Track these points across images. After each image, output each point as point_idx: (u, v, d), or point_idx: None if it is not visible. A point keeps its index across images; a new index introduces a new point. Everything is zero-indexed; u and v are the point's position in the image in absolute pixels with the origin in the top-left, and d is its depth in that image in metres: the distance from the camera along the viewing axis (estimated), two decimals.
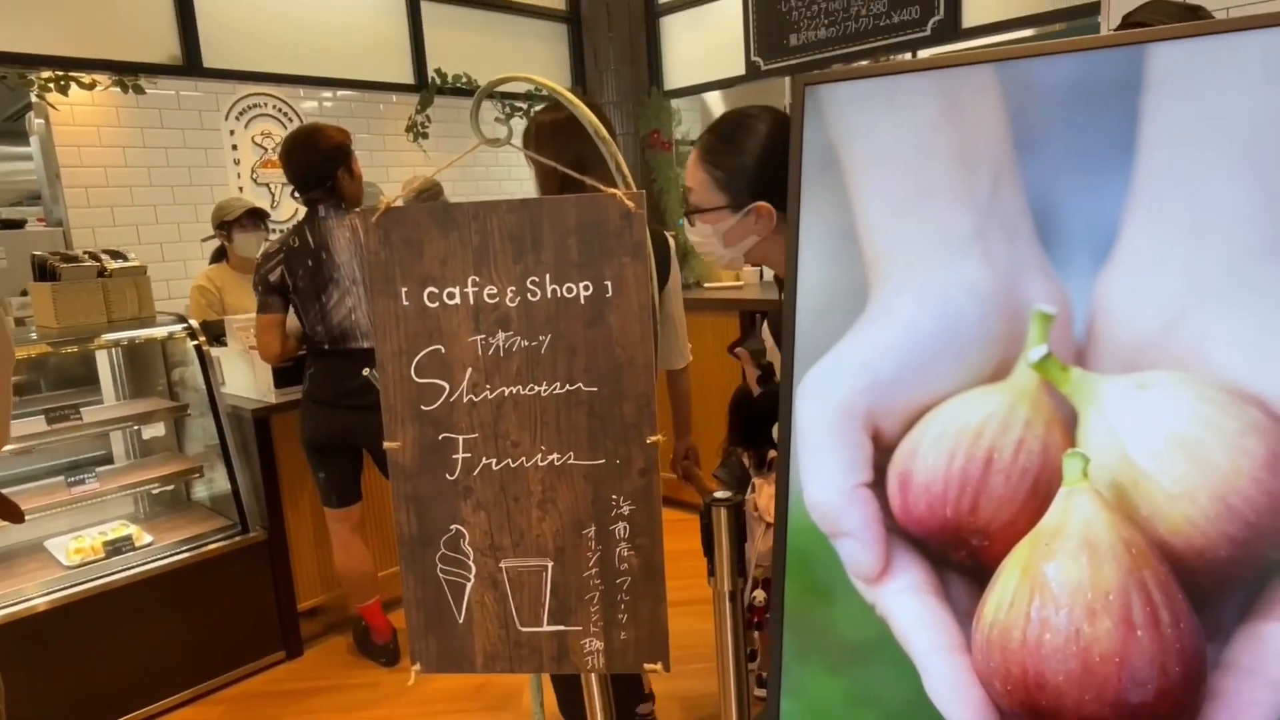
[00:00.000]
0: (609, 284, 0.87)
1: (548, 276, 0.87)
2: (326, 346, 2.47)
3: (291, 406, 2.64)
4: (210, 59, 3.49)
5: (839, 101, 1.11)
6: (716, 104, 6.36)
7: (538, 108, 4.53)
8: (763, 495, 1.63)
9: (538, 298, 0.87)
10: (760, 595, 1.71)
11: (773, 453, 1.80)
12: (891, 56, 4.45)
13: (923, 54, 4.28)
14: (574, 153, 1.82)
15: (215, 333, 2.87)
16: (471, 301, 0.88)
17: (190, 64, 3.44)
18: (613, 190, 0.84)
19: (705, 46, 4.58)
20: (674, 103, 4.86)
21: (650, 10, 4.75)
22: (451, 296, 0.88)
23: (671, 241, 2.06)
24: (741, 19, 4.28)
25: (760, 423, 1.89)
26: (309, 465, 2.59)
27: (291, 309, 2.48)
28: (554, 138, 1.82)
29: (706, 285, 4.59)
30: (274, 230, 3.78)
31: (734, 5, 4.33)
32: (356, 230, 2.51)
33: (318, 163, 2.43)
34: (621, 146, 4.77)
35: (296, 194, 2.52)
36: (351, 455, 2.59)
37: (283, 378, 2.72)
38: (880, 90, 1.09)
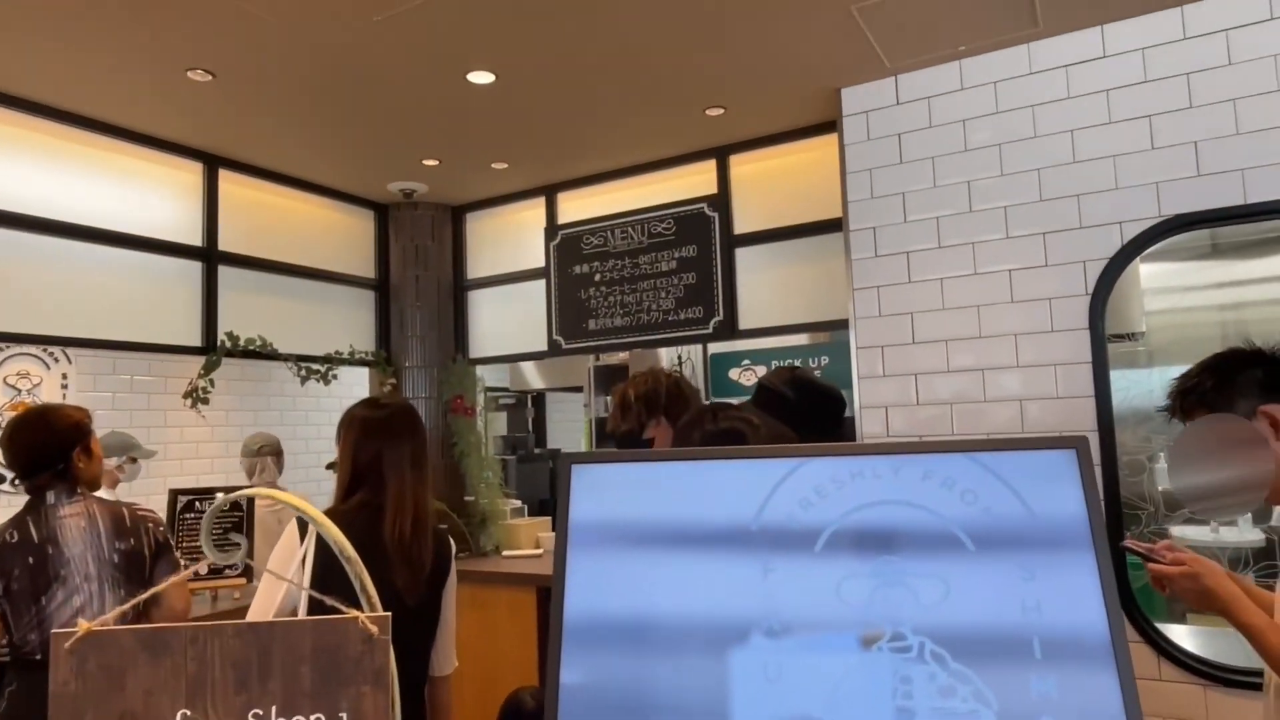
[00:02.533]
0: (344, 716, 0.79)
1: (274, 709, 0.78)
2: (39, 656, 2.10)
3: None
4: None
5: (605, 481, 1.15)
6: (531, 371, 6.59)
7: (335, 371, 4.47)
8: None
9: None
10: None
11: None
12: (679, 350, 4.85)
13: (713, 348, 4.69)
14: (374, 451, 1.87)
15: None
16: None
17: None
18: (355, 613, 0.79)
19: (511, 321, 4.79)
20: (479, 369, 4.96)
21: (458, 284, 4.96)
22: None
23: (452, 541, 2.01)
24: (545, 300, 4.55)
25: None
26: None
27: None
28: (360, 433, 1.89)
29: (506, 554, 4.46)
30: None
31: (538, 288, 4.62)
32: (94, 517, 2.25)
33: (50, 443, 2.18)
34: (427, 411, 4.74)
35: (18, 481, 2.22)
36: None
37: None
38: (640, 474, 1.14)
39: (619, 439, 2.46)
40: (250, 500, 3.64)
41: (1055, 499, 1.02)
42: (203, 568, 3.18)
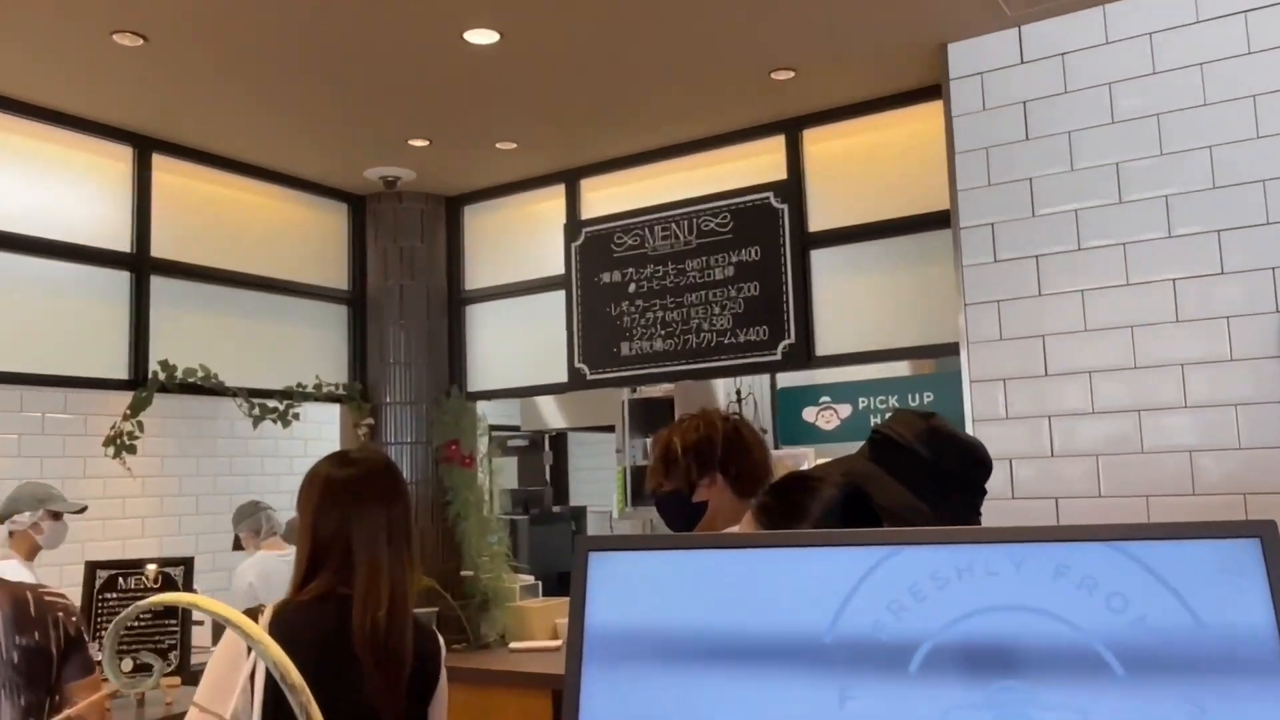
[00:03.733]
0: None
1: None
2: None
3: None
4: None
5: (634, 573, 1.14)
6: (548, 405, 6.58)
7: (297, 409, 4.51)
8: None
9: None
10: None
11: None
12: (738, 382, 4.81)
13: (782, 379, 4.64)
14: (339, 521, 1.91)
15: None
16: None
17: None
18: None
19: (521, 344, 4.81)
20: (480, 405, 4.98)
21: (454, 296, 4.99)
22: None
23: (441, 639, 2.04)
24: (565, 319, 4.57)
25: None
26: None
27: None
28: (323, 498, 1.93)
29: (514, 646, 4.45)
30: None
31: (556, 301, 4.64)
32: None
33: None
34: (413, 461, 4.73)
35: None
36: None
37: None
38: (679, 565, 1.13)
39: (661, 501, 2.46)
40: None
41: (1233, 606, 0.98)
42: (109, 687, 3.20)
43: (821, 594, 1.06)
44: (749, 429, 2.51)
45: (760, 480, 2.36)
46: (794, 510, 1.57)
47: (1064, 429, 3.06)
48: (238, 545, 4.87)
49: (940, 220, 3.65)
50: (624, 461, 5.95)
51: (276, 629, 1.78)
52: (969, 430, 3.17)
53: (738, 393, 4.99)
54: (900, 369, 4.33)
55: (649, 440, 5.35)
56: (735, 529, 2.11)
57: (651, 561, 1.13)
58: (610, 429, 6.28)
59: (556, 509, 6.69)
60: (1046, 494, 3.05)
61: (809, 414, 4.37)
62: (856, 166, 3.98)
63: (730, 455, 2.39)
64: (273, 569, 4.50)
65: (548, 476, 7.39)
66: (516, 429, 6.98)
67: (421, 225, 4.92)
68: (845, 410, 4.29)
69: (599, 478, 7.45)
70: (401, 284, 4.88)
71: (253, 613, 1.83)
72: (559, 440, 7.56)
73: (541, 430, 7.04)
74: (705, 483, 2.38)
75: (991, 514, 3.08)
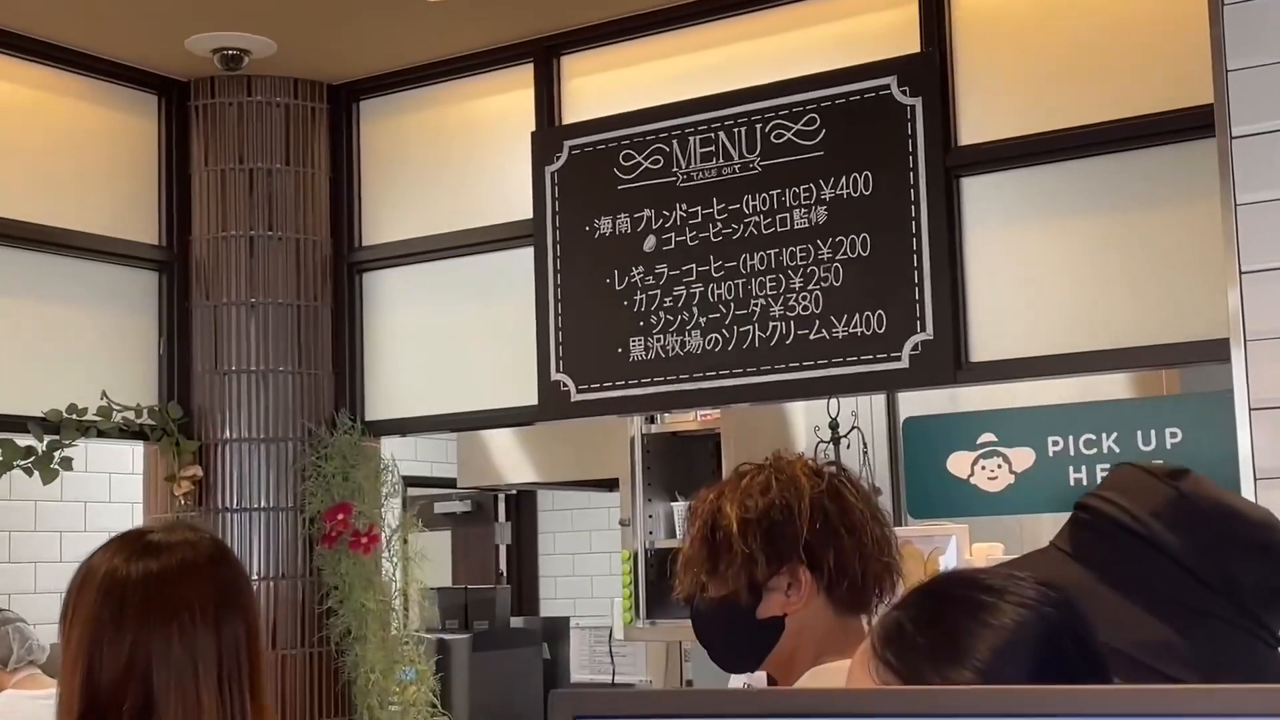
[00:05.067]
0: None
1: None
2: None
3: None
4: None
5: None
6: (505, 446, 6.49)
7: (67, 449, 4.39)
8: None
9: None
10: None
11: None
12: (834, 405, 4.66)
13: (904, 401, 4.50)
14: (126, 652, 2.00)
15: None
16: None
17: None
18: None
19: (457, 341, 4.92)
20: (388, 445, 5.07)
21: (343, 257, 5.04)
22: None
23: None
24: (534, 298, 4.56)
25: None
26: None
27: None
28: (101, 612, 2.01)
29: None
30: None
31: (520, 269, 4.66)
32: None
33: None
34: (269, 539, 4.65)
35: None
36: None
37: None
38: None
39: (705, 615, 2.55)
40: None
41: None
42: None
43: None
44: (858, 491, 2.53)
45: (879, 582, 2.45)
46: (951, 643, 1.50)
47: None
48: None
49: (1194, 124, 3.71)
50: (634, 542, 5.97)
51: None
52: (1248, 493, 3.17)
53: (833, 426, 4.96)
54: (1119, 387, 4.46)
55: (681, 505, 5.58)
56: (834, 668, 2.24)
57: None
58: (611, 485, 6.38)
59: (517, 623, 6.84)
60: None
61: (958, 464, 4.37)
62: (1041, 32, 4.03)
63: (825, 537, 2.42)
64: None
65: (503, 566, 7.64)
66: (450, 485, 7.18)
67: (287, 134, 5.01)
68: (1024, 458, 4.28)
69: (589, 568, 7.70)
70: (252, 235, 4.92)
71: None
72: (522, 505, 7.87)
73: (493, 487, 7.26)
74: (781, 584, 2.43)
75: None
